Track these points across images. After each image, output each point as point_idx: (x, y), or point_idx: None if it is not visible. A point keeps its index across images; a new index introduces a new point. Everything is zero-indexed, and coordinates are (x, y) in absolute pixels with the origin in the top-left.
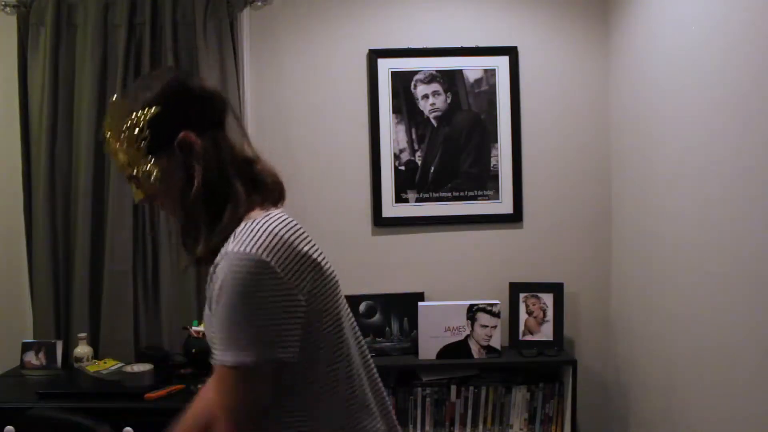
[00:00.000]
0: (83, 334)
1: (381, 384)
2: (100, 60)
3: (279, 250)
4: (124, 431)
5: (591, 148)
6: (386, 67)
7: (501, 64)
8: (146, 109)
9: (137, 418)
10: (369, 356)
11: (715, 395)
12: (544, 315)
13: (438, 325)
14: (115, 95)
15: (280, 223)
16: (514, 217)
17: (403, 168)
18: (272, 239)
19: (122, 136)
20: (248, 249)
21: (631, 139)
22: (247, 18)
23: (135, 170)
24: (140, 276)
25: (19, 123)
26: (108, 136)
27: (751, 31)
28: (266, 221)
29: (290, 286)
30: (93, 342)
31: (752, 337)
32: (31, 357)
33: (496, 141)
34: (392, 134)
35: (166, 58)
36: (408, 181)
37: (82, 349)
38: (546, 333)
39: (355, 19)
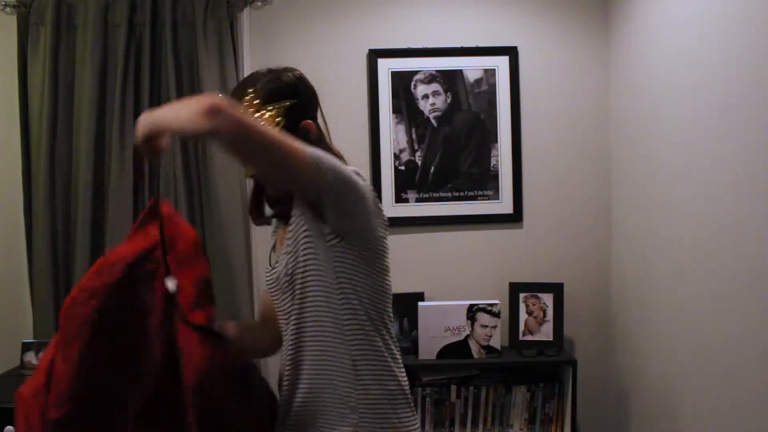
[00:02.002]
0: None
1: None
2: (100, 60)
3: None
4: None
5: (591, 148)
6: (386, 67)
7: (501, 64)
8: (284, 101)
9: None
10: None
11: (715, 395)
12: (544, 315)
13: (438, 325)
14: (250, 90)
15: None
16: (514, 217)
17: (403, 168)
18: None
19: (262, 119)
20: None
21: (631, 139)
22: (247, 18)
23: None
24: None
25: (19, 123)
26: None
27: (751, 31)
28: None
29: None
30: None
31: (752, 336)
32: (31, 357)
33: (496, 141)
34: (392, 134)
35: (166, 58)
36: (408, 181)
37: None
38: (546, 333)
39: (355, 19)
